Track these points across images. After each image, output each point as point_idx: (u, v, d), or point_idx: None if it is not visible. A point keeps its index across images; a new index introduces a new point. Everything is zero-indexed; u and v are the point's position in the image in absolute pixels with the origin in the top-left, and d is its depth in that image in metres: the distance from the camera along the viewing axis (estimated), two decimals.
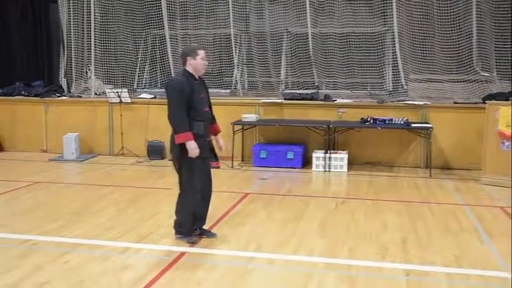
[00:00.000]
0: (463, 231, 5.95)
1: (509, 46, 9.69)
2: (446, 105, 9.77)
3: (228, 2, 10.93)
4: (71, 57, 11.69)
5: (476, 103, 9.51)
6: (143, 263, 4.93)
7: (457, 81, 10.08)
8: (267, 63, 11.00)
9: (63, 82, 11.96)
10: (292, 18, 10.79)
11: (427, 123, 9.43)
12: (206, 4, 11.20)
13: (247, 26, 11.14)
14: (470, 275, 4.71)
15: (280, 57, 10.94)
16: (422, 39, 10.17)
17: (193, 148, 5.17)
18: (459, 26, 9.94)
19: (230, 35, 10.97)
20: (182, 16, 11.37)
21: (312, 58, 10.57)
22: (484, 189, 7.99)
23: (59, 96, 11.53)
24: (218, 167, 5.73)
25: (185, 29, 11.41)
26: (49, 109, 11.27)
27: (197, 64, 5.33)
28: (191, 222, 5.54)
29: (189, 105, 5.21)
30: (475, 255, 5.22)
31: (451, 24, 9.97)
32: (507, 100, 8.56)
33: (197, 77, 5.39)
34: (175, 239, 5.56)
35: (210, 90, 5.79)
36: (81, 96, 11.49)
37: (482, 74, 9.85)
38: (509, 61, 9.70)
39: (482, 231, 5.95)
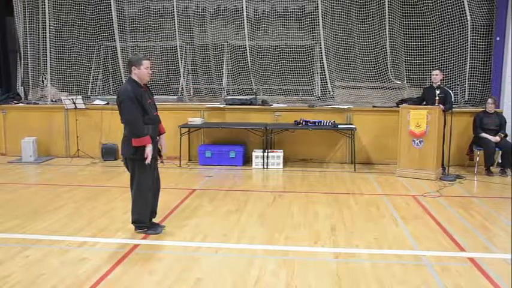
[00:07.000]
0: (382, 217, 6.14)
1: (417, 58, 10.08)
2: (366, 108, 10.02)
3: (174, 16, 10.80)
4: (28, 67, 11.20)
5: (391, 107, 9.84)
6: (99, 256, 4.79)
7: (375, 88, 10.37)
8: (210, 72, 10.93)
9: (20, 90, 11.45)
10: (232, 32, 10.78)
11: (351, 124, 9.66)
12: (154, 18, 11.01)
13: (191, 39, 11.02)
14: (389, 255, 4.87)
15: (222, 67, 10.90)
16: (345, 51, 10.41)
17: (150, 150, 5.11)
18: (375, 40, 10.26)
19: (176, 46, 10.84)
20: (132, 29, 11.14)
21: (249, 67, 10.60)
22: (399, 181, 8.26)
23: (16, 103, 11.04)
24: (162, 162, 5.67)
25: (135, 41, 11.17)
26: (7, 115, 10.75)
27: (141, 73, 5.20)
28: (148, 217, 5.45)
29: (141, 111, 5.12)
30: (392, 237, 5.40)
31: (368, 39, 10.28)
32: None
33: (142, 85, 5.26)
34: (132, 233, 5.44)
35: (158, 97, 5.72)
36: (38, 103, 11.03)
37: (395, 82, 10.18)
38: (417, 71, 10.11)
39: (398, 217, 6.16)
